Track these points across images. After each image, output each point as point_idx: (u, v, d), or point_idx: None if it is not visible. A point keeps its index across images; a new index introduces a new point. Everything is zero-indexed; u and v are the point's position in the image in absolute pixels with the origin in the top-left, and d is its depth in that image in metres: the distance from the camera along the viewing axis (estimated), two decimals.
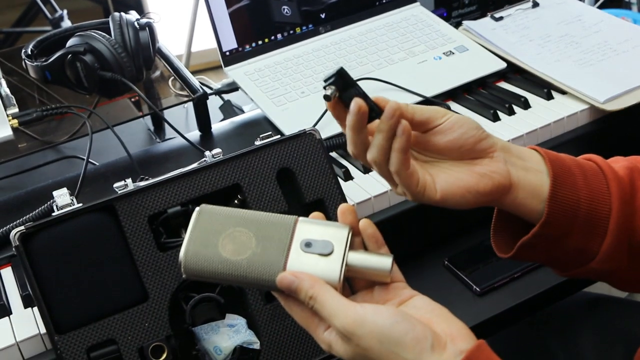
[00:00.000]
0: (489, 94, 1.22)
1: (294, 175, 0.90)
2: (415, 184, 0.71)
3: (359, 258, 0.67)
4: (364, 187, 1.01)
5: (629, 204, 0.74)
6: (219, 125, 1.25)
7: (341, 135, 1.11)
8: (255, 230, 0.67)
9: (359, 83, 1.20)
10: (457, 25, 1.37)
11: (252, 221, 0.67)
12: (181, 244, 0.84)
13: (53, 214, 0.84)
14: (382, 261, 0.67)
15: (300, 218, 0.68)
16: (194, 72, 1.30)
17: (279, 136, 0.92)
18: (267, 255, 0.66)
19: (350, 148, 0.72)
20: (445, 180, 0.72)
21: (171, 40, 1.33)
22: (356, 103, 0.68)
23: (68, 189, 0.87)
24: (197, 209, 0.69)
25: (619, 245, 0.74)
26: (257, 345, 0.84)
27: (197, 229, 0.67)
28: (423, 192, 0.72)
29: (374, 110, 0.70)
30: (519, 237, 0.76)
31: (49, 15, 1.44)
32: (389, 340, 0.61)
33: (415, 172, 0.71)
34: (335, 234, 0.67)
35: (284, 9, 1.29)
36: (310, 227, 0.68)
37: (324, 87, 0.69)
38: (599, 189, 0.74)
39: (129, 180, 0.87)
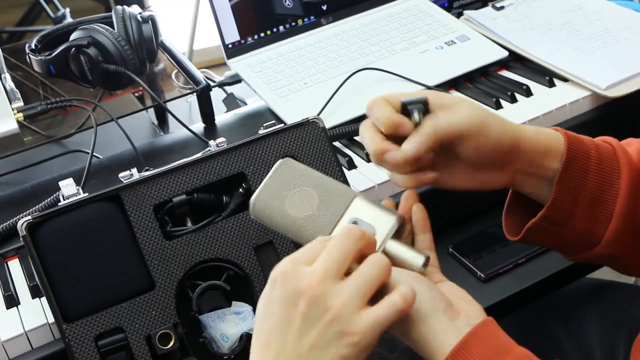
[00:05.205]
0: (491, 82, 1.22)
1: None
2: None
3: (397, 248, 0.69)
4: (367, 176, 1.02)
5: (637, 189, 0.75)
6: (222, 117, 1.26)
7: (344, 124, 1.12)
8: (321, 194, 0.72)
9: (362, 73, 1.22)
10: (458, 15, 1.38)
11: (322, 185, 0.72)
12: (187, 233, 0.85)
13: (59, 203, 0.84)
14: (416, 258, 0.69)
15: (359, 196, 0.72)
16: None
17: (282, 125, 0.92)
18: (320, 220, 0.70)
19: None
20: (445, 183, 0.75)
21: (173, 39, 1.33)
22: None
23: (74, 182, 0.88)
24: (280, 160, 0.75)
25: (624, 230, 0.75)
26: None
27: (274, 179, 0.73)
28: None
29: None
30: (529, 220, 0.77)
31: (51, 14, 1.45)
32: None
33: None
34: (382, 220, 0.70)
35: (285, 1, 1.30)
36: (364, 207, 0.71)
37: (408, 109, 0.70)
38: (610, 174, 0.75)
39: (134, 170, 0.87)
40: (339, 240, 0.63)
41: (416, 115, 0.69)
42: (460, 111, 0.70)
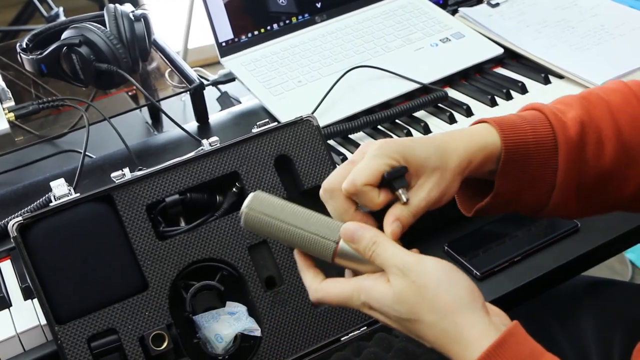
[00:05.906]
0: (487, 79, 1.21)
1: (291, 162, 0.90)
2: None
3: None
4: None
5: (576, 159, 0.76)
6: (216, 115, 1.25)
7: (339, 123, 1.11)
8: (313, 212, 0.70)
9: (357, 71, 1.21)
10: (453, 12, 1.37)
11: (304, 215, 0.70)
12: (180, 233, 0.84)
13: (51, 204, 0.84)
14: None
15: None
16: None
17: (276, 123, 0.92)
18: (326, 221, 0.69)
19: None
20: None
21: (168, 38, 1.33)
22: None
23: (66, 182, 0.87)
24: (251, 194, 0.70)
25: (566, 197, 0.77)
26: (258, 333, 0.84)
27: (264, 194, 0.69)
28: None
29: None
30: (480, 192, 0.79)
31: (45, 13, 1.44)
32: (448, 281, 0.64)
33: None
34: None
35: None
36: None
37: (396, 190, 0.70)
38: (548, 154, 0.76)
39: (126, 170, 0.87)
40: None
41: (403, 197, 0.69)
42: (425, 185, 0.71)
